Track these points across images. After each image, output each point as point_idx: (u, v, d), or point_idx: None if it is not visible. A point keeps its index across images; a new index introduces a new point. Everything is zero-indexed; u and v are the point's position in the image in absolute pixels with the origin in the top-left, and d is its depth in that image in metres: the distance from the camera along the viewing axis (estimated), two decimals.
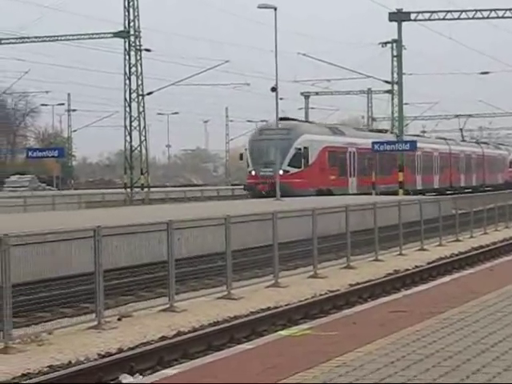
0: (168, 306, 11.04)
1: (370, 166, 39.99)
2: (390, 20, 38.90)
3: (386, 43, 49.77)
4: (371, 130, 53.05)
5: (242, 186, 41.48)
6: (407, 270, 16.30)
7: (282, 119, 36.94)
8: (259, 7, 31.17)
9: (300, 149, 35.31)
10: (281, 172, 32.74)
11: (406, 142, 39.88)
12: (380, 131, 51.66)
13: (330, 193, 35.45)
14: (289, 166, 34.72)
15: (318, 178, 35.75)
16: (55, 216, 23.89)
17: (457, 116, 69.57)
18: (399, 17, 38.62)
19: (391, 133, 50.02)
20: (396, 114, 50.33)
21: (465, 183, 54.21)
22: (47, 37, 46.70)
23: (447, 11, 38.78)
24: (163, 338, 8.96)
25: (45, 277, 12.22)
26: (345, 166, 39.49)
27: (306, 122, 41.64)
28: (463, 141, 65.24)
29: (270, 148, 34.71)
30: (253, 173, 35.87)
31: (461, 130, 68.51)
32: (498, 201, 28.59)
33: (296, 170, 34.96)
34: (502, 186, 55.50)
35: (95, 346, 8.58)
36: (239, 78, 60.09)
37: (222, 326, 9.65)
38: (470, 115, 69.56)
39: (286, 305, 11.47)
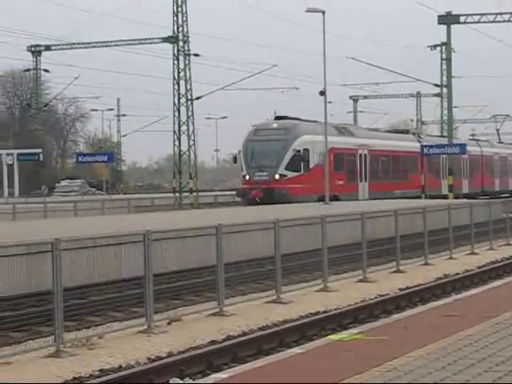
0: (217, 310, 11.09)
1: (385, 170, 37.83)
2: (439, 23, 38.52)
3: (435, 46, 49.88)
4: (388, 131, 49.03)
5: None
6: (457, 273, 15.97)
7: (278, 118, 34.76)
8: (308, 11, 31.09)
9: (299, 151, 31.61)
10: (277, 177, 30.74)
11: (456, 146, 38.64)
12: (401, 132, 47.23)
13: (336, 199, 31.76)
14: (286, 169, 31.28)
15: (322, 184, 30.40)
16: (105, 220, 24.27)
17: (494, 116, 67.50)
18: (448, 20, 38.19)
19: (413, 134, 46.44)
20: (445, 118, 49.64)
21: (499, 187, 50.25)
22: (97, 42, 47.51)
23: (497, 13, 38.22)
24: (213, 342, 8.98)
25: (95, 281, 12.50)
26: (354, 170, 35.86)
27: (307, 120, 36.09)
28: (500, 142, 60.70)
29: (265, 150, 31.83)
30: (246, 177, 32.28)
31: (497, 130, 65.80)
32: None
33: (294, 174, 31.41)
34: None
35: (145, 350, 8.67)
36: (288, 82, 60.17)
37: (271, 330, 9.63)
38: (507, 115, 67.06)
39: (335, 309, 11.38)
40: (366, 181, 35.92)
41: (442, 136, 52.34)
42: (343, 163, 34.95)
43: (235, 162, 37.41)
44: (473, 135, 63.28)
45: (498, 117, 65.84)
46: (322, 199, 29.82)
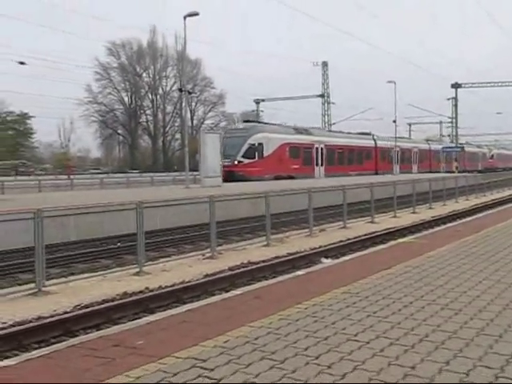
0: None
1: (339, 158, 51.95)
2: (451, 87, 53.87)
3: (450, 98, 67.35)
4: (350, 133, 60.97)
5: None
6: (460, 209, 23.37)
7: (245, 121, 50.52)
8: None
9: (254, 144, 42.39)
10: (236, 162, 41.38)
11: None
12: (364, 134, 61.33)
13: (292, 178, 42.74)
14: (243, 157, 41.91)
15: (276, 167, 42.65)
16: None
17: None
18: (456, 86, 51.72)
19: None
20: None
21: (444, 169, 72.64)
22: None
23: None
24: (340, 241, 16.84)
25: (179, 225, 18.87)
26: (310, 158, 48.06)
27: (270, 124, 51.51)
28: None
29: (231, 143, 41.37)
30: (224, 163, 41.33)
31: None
32: None
33: (249, 160, 41.87)
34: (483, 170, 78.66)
35: (313, 243, 16.39)
36: None
37: (367, 236, 17.60)
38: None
39: (399, 226, 19.75)
40: (322, 165, 49.00)
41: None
42: (299, 153, 46.81)
43: None
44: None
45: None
46: (277, 178, 41.46)
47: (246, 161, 42.08)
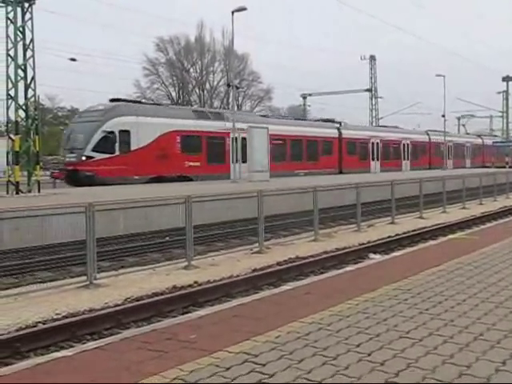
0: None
1: (278, 153, 38.18)
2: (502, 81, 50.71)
3: (501, 92, 65.58)
4: (298, 119, 50.20)
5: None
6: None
7: (112, 100, 33.38)
8: None
9: (112, 132, 29.64)
10: (83, 158, 29.02)
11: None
12: (326, 121, 48.63)
13: (188, 179, 32.20)
14: (94, 151, 29.31)
15: (154, 165, 30.50)
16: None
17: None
18: (507, 79, 48.17)
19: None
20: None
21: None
22: None
23: None
24: (389, 237, 16.82)
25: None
26: (223, 152, 35.09)
27: (147, 104, 38.27)
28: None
29: (78, 132, 30.32)
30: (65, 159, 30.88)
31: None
32: None
33: (105, 155, 29.36)
34: None
35: (362, 238, 16.45)
36: None
37: (417, 232, 17.56)
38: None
39: (448, 222, 20.04)
40: (237, 162, 33.13)
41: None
42: (201, 146, 34.05)
43: None
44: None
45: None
46: (158, 180, 30.18)
47: (100, 156, 29.30)
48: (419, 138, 58.20)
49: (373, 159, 49.21)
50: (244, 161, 32.58)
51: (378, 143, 49.85)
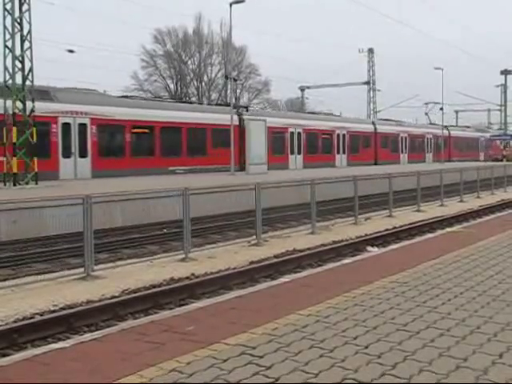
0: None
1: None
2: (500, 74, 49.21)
3: (500, 85, 65.75)
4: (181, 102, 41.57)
5: None
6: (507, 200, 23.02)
7: None
8: None
9: None
10: None
11: None
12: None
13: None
14: None
15: None
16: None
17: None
18: (505, 72, 47.72)
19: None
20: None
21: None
22: None
23: None
24: (386, 230, 16.77)
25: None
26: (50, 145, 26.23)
27: None
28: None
29: None
30: None
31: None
32: None
33: None
34: None
35: (359, 231, 16.50)
36: None
37: (414, 225, 17.52)
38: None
39: (446, 215, 19.84)
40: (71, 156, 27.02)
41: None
42: None
43: None
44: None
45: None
46: None
47: None
48: (360, 127, 49.31)
49: (294, 153, 40.98)
50: (83, 155, 27.13)
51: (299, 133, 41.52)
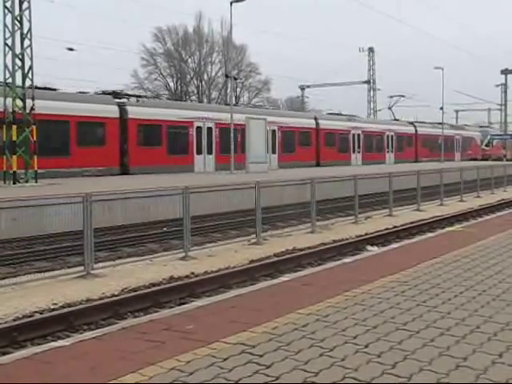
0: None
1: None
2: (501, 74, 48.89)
3: (500, 85, 66.18)
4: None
5: None
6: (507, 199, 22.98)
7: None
8: None
9: None
10: None
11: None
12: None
13: None
14: None
15: None
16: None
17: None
18: (505, 72, 47.07)
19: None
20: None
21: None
22: None
23: None
24: (386, 229, 16.85)
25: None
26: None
27: None
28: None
29: None
30: None
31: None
32: None
33: None
34: None
35: (359, 230, 16.52)
36: None
37: (414, 224, 17.52)
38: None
39: (446, 214, 19.81)
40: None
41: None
42: None
43: None
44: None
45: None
46: None
47: None
48: (295, 122, 42.33)
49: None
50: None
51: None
